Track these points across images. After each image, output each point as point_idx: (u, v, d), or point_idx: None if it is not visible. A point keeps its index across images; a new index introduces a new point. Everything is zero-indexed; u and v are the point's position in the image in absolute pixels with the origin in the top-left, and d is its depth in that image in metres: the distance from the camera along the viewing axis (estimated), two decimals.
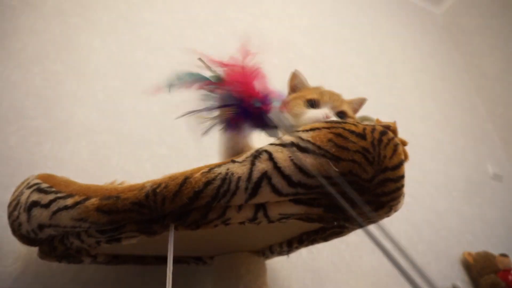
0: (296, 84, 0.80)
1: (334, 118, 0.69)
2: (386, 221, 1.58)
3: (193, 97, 0.58)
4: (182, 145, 1.19)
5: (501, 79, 2.76)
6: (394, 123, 0.58)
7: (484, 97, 2.81)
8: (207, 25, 1.55)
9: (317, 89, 0.79)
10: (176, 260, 0.91)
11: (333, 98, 0.73)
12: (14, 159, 0.95)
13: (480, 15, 2.98)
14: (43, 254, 0.67)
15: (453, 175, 2.07)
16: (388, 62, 2.29)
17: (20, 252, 0.84)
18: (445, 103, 2.49)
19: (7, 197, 0.66)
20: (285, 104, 0.75)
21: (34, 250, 0.83)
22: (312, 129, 0.52)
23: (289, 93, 0.82)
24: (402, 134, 0.58)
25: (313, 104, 0.71)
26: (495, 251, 1.67)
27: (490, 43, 2.88)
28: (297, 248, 0.80)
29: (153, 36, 1.37)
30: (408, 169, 0.58)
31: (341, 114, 0.71)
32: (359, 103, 0.80)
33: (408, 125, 2.01)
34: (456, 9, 3.12)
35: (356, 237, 1.40)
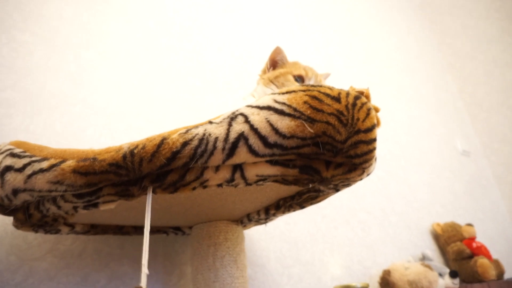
0: (277, 60, 0.85)
1: None
2: (362, 194, 1.64)
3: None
4: (159, 117, 1.18)
5: (472, 58, 2.84)
6: (368, 89, 0.60)
7: (456, 75, 2.90)
8: None
9: (297, 64, 0.84)
10: (154, 230, 0.92)
11: (314, 73, 0.81)
12: None
13: None
14: (18, 223, 0.66)
15: (424, 150, 2.14)
16: (365, 40, 2.31)
17: None
18: (419, 80, 2.55)
19: None
20: (277, 76, 0.81)
21: (8, 222, 0.82)
22: (288, 92, 0.53)
23: (268, 67, 0.87)
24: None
25: (298, 80, 0.79)
26: (461, 221, 1.76)
27: (462, 22, 2.95)
28: (274, 215, 0.82)
29: (127, 4, 1.32)
30: (382, 143, 0.61)
31: None
32: (326, 77, 0.88)
33: (383, 101, 2.06)
34: None
35: (332, 209, 1.45)
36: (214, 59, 1.45)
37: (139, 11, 1.34)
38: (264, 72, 0.89)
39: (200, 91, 1.33)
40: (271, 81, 0.80)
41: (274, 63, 0.86)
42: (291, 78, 0.79)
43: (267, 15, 1.81)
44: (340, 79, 1.73)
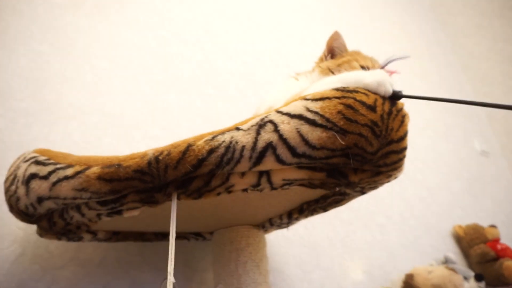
0: (335, 46, 0.75)
1: None
2: (380, 197, 1.61)
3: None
4: (174, 126, 1.18)
5: (486, 58, 2.79)
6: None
7: (470, 76, 2.85)
8: (195, 4, 1.52)
9: (360, 53, 0.74)
10: (176, 236, 0.91)
11: (379, 66, 0.71)
12: (3, 142, 0.92)
13: None
14: (42, 231, 0.66)
15: (442, 152, 2.10)
16: (376, 43, 2.29)
17: (17, 235, 0.82)
18: (433, 82, 2.52)
19: None
20: (339, 64, 0.69)
21: (32, 232, 0.83)
22: (322, 99, 0.50)
23: (326, 54, 0.76)
24: None
25: (365, 69, 0.68)
26: (483, 223, 1.71)
27: (475, 22, 2.91)
28: (297, 219, 0.81)
29: (140, 15, 1.33)
30: None
31: None
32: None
33: None
34: None
35: (349, 213, 1.43)
36: (226, 67, 1.45)
37: (151, 21, 1.35)
38: (321, 60, 0.78)
39: (213, 99, 1.33)
40: (331, 70, 0.69)
41: (332, 50, 0.75)
42: (357, 65, 0.67)
43: (276, 22, 1.80)
44: None
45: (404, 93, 0.54)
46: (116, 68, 1.17)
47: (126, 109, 1.12)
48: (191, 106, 1.26)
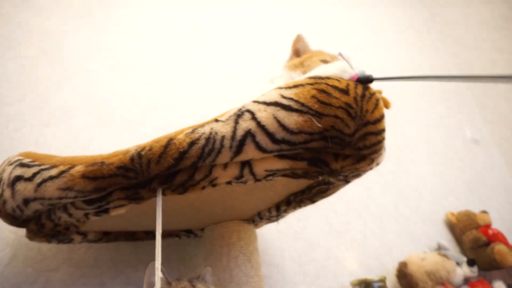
0: (299, 47, 0.82)
1: None
2: (372, 188, 1.62)
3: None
4: (165, 125, 1.18)
5: (476, 47, 2.81)
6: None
7: (461, 64, 2.87)
8: (183, 2, 1.52)
9: (321, 51, 0.79)
10: (167, 234, 0.92)
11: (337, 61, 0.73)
12: None
13: None
14: (31, 234, 0.67)
15: (433, 141, 2.12)
16: (365, 34, 2.30)
17: (9, 238, 0.83)
18: (423, 71, 2.53)
19: None
20: (302, 61, 0.75)
21: (23, 235, 0.83)
22: (295, 86, 0.52)
23: (292, 56, 0.83)
24: None
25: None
26: (475, 210, 1.73)
27: (463, 11, 2.92)
28: (286, 211, 0.82)
29: (127, 16, 1.34)
30: (390, 136, 0.60)
31: None
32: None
33: (387, 95, 2.04)
34: None
35: (343, 205, 1.44)
36: (216, 65, 1.45)
37: (139, 21, 1.35)
38: (288, 61, 0.84)
39: (204, 98, 1.33)
40: (296, 66, 0.75)
41: (297, 51, 0.83)
42: (317, 60, 0.72)
43: (267, 19, 1.81)
44: None
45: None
46: (104, 69, 1.18)
47: (115, 110, 1.12)
48: (182, 105, 1.27)
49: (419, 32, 2.81)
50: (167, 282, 0.60)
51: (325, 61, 0.71)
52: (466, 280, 1.29)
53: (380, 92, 0.56)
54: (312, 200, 0.76)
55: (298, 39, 0.83)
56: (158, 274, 0.53)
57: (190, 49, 1.42)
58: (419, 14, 2.99)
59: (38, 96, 1.04)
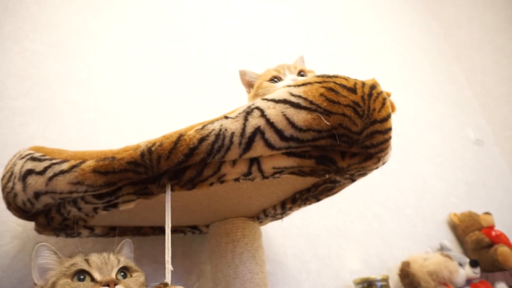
0: (248, 80, 0.85)
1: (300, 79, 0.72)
2: (375, 187, 1.62)
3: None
4: (170, 121, 1.19)
5: (479, 48, 2.81)
6: (373, 79, 0.60)
7: (463, 65, 2.86)
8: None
9: (266, 70, 0.82)
10: (172, 230, 0.92)
11: (286, 66, 0.78)
12: (0, 141, 0.93)
13: None
14: (40, 227, 0.68)
15: (435, 142, 2.12)
16: (368, 34, 2.30)
17: (16, 231, 0.83)
18: (426, 72, 2.53)
19: None
20: (256, 90, 0.78)
21: (31, 228, 0.84)
22: (304, 84, 0.53)
23: (248, 90, 0.86)
24: None
25: (277, 80, 0.75)
26: (478, 211, 1.74)
27: (467, 13, 2.91)
28: (291, 209, 0.82)
29: (133, 11, 1.34)
30: (393, 136, 0.60)
31: (302, 72, 0.76)
32: (301, 60, 0.86)
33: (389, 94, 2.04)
34: None
35: (346, 203, 1.44)
36: (221, 62, 1.46)
37: (145, 17, 1.35)
38: (248, 95, 0.87)
39: (209, 94, 1.34)
40: (254, 97, 0.76)
41: (248, 84, 0.85)
42: (267, 84, 0.75)
43: (269, 15, 1.81)
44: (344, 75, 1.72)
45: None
46: (110, 64, 1.18)
47: (121, 105, 1.13)
48: (187, 101, 1.27)
49: (421, 34, 2.81)
50: (59, 262, 0.59)
51: (274, 78, 0.75)
52: (469, 281, 1.29)
53: (388, 95, 0.56)
54: (318, 198, 0.76)
55: (242, 74, 0.86)
56: (169, 267, 0.54)
57: (197, 44, 1.42)
58: (422, 15, 2.98)
59: (45, 91, 1.04)
